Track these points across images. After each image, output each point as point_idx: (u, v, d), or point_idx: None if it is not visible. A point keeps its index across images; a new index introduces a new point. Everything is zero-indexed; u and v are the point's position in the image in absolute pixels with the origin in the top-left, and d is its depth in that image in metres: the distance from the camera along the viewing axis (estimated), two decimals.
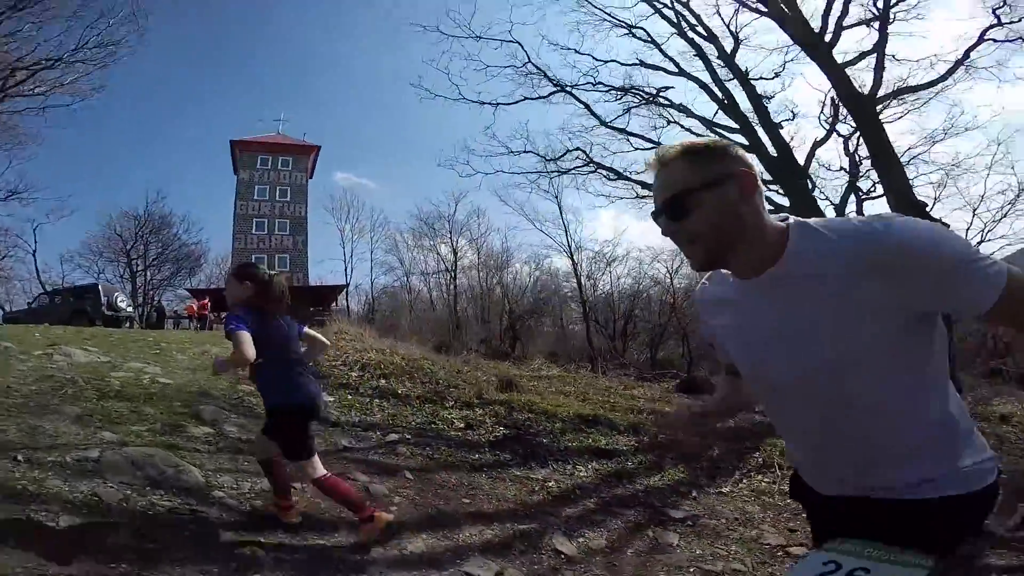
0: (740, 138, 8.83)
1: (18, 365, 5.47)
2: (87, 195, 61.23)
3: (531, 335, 27.06)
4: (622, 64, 10.88)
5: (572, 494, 3.76)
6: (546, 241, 44.13)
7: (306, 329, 2.65)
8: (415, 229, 38.67)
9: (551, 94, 10.73)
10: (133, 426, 3.67)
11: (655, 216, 0.92)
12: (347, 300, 39.03)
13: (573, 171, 11.33)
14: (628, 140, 10.96)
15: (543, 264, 32.49)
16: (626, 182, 11.04)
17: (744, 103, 9.25)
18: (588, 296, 25.78)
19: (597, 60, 10.96)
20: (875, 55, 7.27)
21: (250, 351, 2.12)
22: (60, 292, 19.06)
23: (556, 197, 24.27)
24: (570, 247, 26.39)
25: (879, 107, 7.34)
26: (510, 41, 10.92)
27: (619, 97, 10.89)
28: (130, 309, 18.67)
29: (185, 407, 4.63)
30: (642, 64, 10.59)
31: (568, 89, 10.56)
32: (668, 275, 26.03)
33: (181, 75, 51.79)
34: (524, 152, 11.80)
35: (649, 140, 10.69)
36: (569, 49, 11.09)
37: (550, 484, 3.90)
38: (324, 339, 2.77)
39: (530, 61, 10.71)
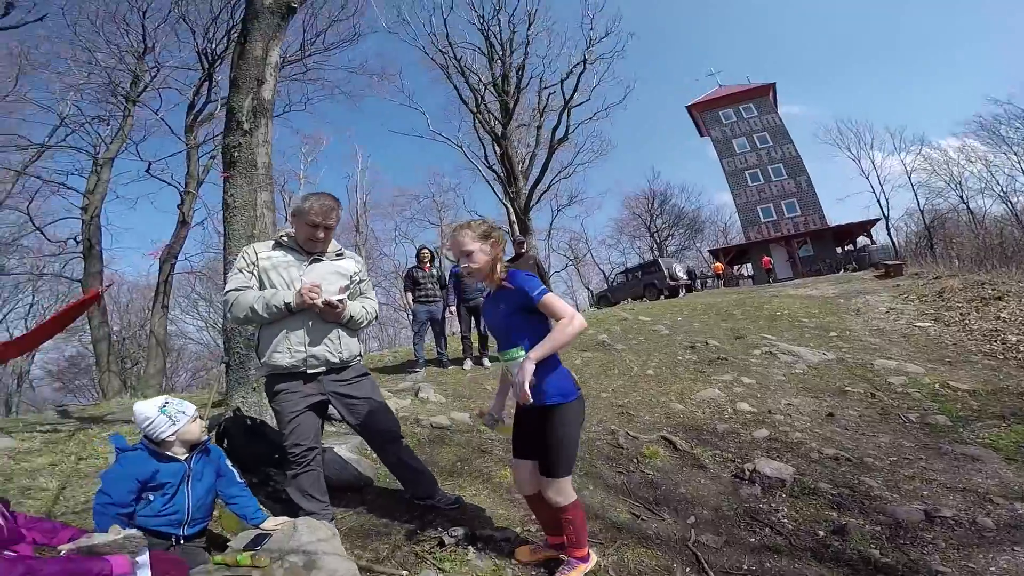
0: None
1: (776, 373, 5.90)
2: (597, 184, 78.07)
3: None
4: None
5: None
6: None
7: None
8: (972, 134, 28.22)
9: None
10: None
11: None
12: (889, 234, 32.94)
13: None
14: None
15: None
16: None
17: None
18: None
19: None
20: None
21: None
22: (631, 270, 23.97)
23: None
24: None
25: None
26: None
27: None
28: (686, 277, 21.40)
29: None
30: None
31: None
32: None
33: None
34: None
35: None
36: None
37: None
38: None
39: None
